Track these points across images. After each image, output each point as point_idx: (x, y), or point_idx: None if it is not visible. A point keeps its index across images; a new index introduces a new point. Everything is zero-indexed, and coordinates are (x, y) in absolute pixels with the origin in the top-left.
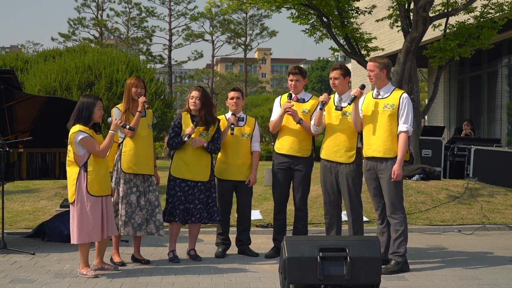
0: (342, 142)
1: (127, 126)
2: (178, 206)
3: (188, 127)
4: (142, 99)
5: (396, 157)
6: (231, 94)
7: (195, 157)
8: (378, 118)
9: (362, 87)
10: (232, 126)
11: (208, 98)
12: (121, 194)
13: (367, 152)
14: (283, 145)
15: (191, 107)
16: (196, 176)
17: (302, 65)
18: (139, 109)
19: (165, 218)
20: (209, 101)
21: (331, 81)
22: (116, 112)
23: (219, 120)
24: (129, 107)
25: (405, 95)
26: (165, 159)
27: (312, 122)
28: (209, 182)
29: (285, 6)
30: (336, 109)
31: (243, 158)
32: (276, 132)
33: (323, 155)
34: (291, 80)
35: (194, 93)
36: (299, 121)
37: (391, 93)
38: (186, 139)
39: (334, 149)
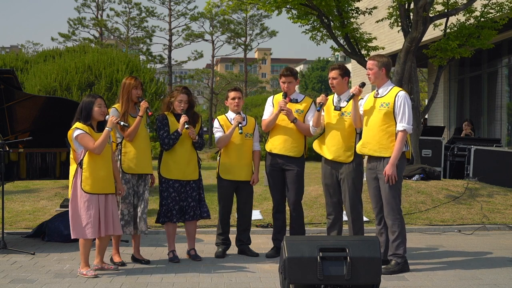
0: (340, 141)
1: (121, 123)
2: (174, 207)
3: (176, 126)
4: (144, 104)
5: None
6: (232, 94)
7: (185, 157)
8: (375, 117)
9: (362, 85)
10: (240, 125)
11: (192, 97)
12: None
13: (362, 150)
14: (275, 145)
15: (179, 111)
16: (188, 176)
17: (302, 65)
18: (140, 113)
19: (161, 220)
20: (193, 100)
21: (329, 81)
22: (114, 112)
23: (200, 116)
24: (128, 108)
25: (401, 93)
26: None
27: (311, 123)
28: (199, 180)
29: (286, 7)
30: (335, 109)
31: (247, 158)
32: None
33: (322, 155)
34: (284, 82)
35: (183, 97)
36: (293, 120)
37: (388, 91)
38: (187, 126)
39: (332, 148)
